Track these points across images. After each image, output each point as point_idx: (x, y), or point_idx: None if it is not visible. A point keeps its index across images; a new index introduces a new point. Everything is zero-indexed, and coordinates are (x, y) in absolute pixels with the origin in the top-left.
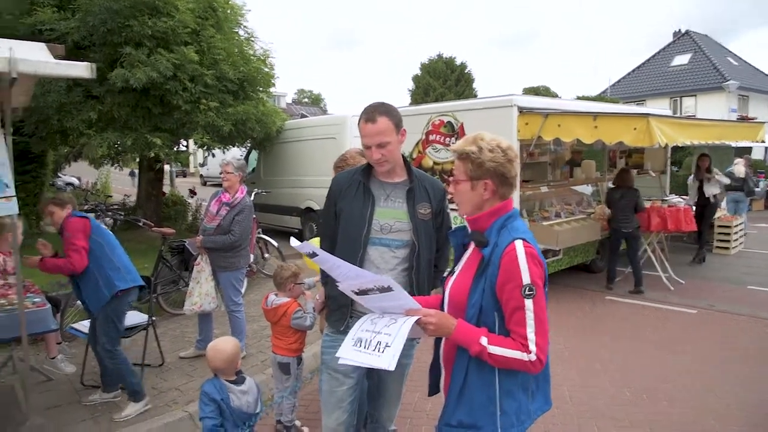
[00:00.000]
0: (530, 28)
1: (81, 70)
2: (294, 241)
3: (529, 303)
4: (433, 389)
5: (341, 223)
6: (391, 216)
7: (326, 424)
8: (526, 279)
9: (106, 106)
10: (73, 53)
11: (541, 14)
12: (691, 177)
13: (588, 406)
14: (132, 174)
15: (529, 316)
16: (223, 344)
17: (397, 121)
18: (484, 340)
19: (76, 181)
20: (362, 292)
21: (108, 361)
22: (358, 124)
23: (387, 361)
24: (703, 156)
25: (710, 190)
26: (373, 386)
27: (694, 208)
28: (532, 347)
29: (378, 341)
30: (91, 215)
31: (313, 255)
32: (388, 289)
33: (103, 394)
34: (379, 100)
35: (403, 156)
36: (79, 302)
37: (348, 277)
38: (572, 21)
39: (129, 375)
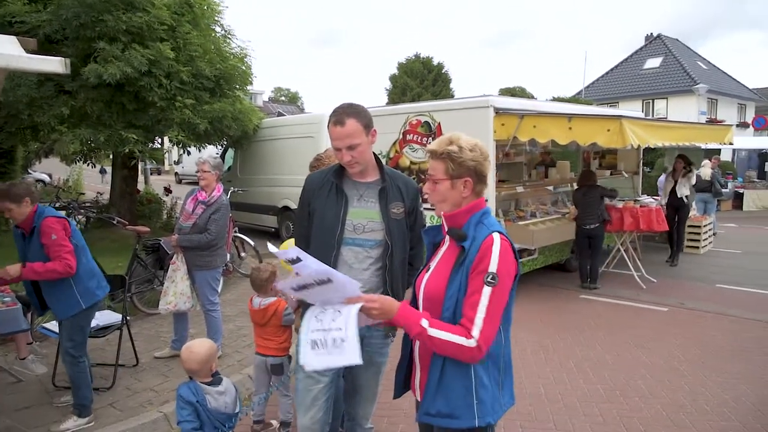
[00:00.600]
0: (508, 30)
1: (55, 65)
2: (272, 247)
3: (487, 290)
4: (399, 390)
5: (314, 224)
6: (364, 216)
7: (302, 423)
8: (492, 267)
9: (78, 101)
10: (45, 47)
11: (520, 17)
12: (662, 177)
13: (562, 403)
14: (102, 171)
15: (483, 302)
16: (197, 346)
17: (366, 122)
18: (424, 322)
19: (47, 178)
20: (301, 288)
21: (70, 367)
22: (328, 126)
23: (351, 356)
24: (680, 157)
25: (681, 191)
26: (349, 384)
27: (664, 208)
28: (476, 333)
29: (333, 338)
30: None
31: (296, 260)
32: (327, 281)
33: None
34: (354, 99)
35: (375, 155)
36: None
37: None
38: (551, 24)
39: (85, 387)
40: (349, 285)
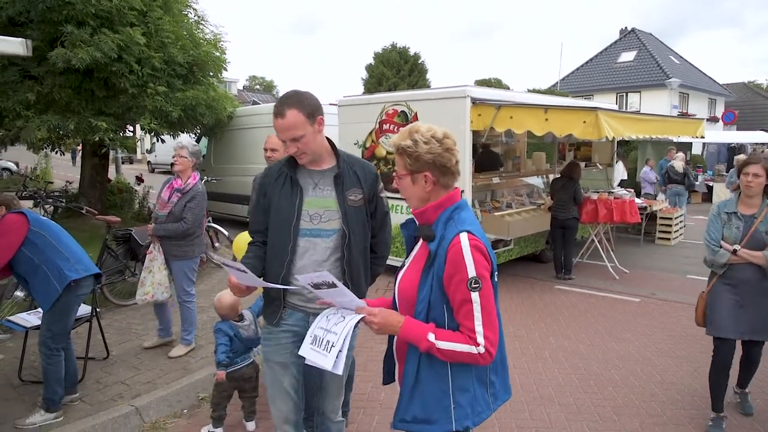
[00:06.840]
0: (484, 21)
1: (15, 46)
2: (220, 258)
3: (475, 296)
4: (388, 378)
5: (271, 216)
6: (319, 205)
7: (276, 414)
8: (471, 272)
9: (45, 87)
10: (8, 30)
11: (496, 8)
12: (646, 168)
13: (538, 393)
14: (74, 155)
15: (476, 308)
16: (224, 297)
17: (309, 111)
18: (431, 336)
19: (13, 167)
20: (316, 286)
21: (44, 359)
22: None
23: (330, 362)
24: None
25: None
26: (315, 380)
27: None
28: (481, 339)
29: (327, 340)
30: (28, 208)
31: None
32: (333, 284)
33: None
34: (330, 88)
35: (330, 141)
36: (18, 293)
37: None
38: (527, 16)
39: (55, 382)
40: (351, 295)
